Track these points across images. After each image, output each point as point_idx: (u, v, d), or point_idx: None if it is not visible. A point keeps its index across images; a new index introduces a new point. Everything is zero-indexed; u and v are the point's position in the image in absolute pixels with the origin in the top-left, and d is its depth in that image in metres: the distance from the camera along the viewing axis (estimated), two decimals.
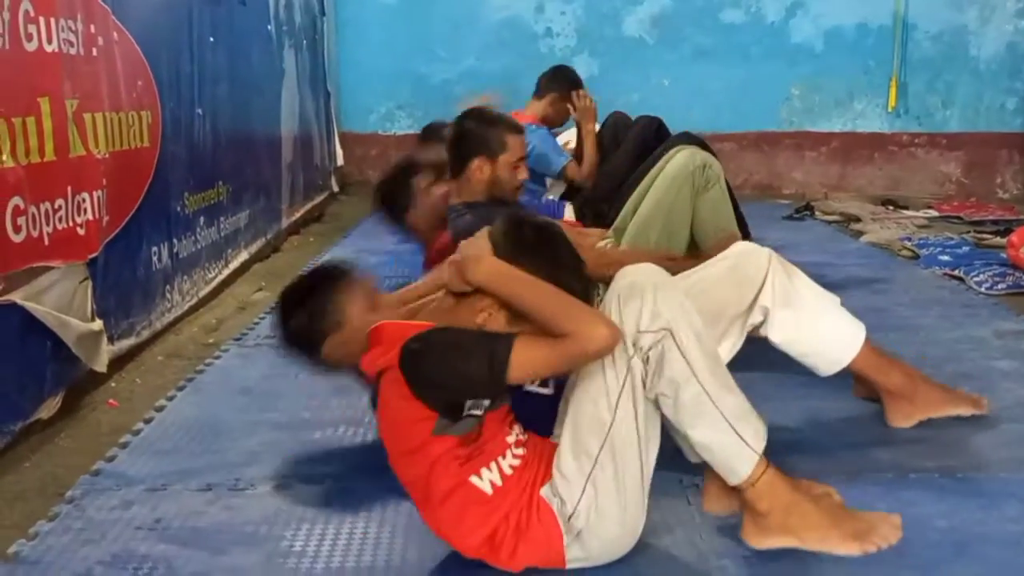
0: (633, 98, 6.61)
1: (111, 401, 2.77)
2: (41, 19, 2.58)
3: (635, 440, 1.72)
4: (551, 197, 4.63)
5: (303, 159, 5.87)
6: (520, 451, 1.79)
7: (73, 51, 2.77)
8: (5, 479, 2.26)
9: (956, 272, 4.13)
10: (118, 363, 3.01)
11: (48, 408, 2.58)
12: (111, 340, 2.99)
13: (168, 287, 3.51)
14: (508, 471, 1.75)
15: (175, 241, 3.58)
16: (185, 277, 3.69)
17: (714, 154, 3.64)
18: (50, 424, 2.54)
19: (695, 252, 3.12)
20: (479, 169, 2.88)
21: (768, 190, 6.91)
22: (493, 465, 1.74)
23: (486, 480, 1.72)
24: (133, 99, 3.20)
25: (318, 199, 6.30)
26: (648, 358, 1.70)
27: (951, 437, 2.35)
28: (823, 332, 2.36)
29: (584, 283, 1.83)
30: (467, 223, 2.81)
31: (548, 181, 4.74)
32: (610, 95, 6.19)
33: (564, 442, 1.76)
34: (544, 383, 2.22)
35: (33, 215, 2.52)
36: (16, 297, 2.43)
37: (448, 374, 1.66)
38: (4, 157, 2.39)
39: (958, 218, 5.81)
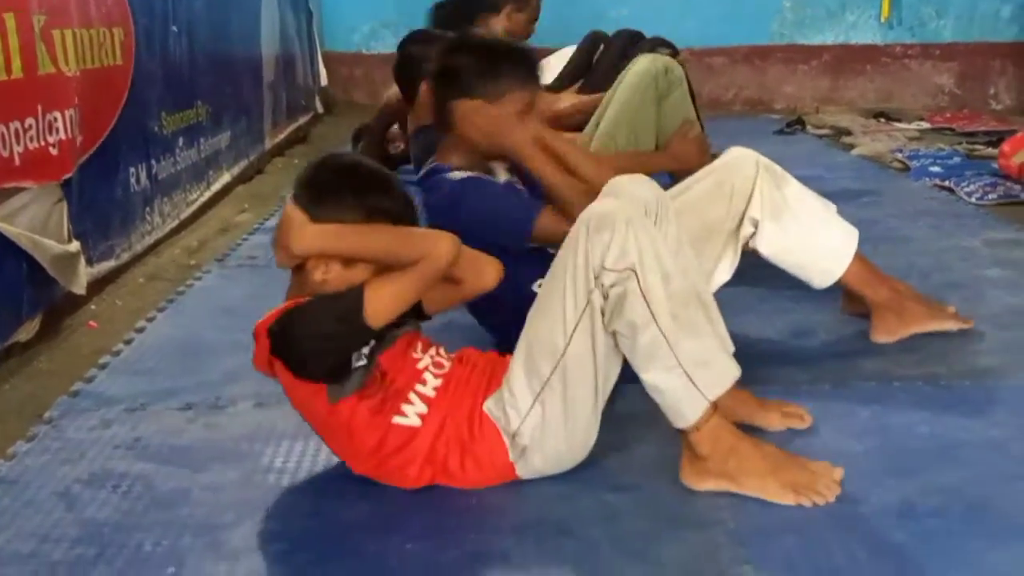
0: (623, 12, 6.50)
1: (91, 323, 2.73)
2: None
3: (590, 367, 1.69)
4: None
5: (285, 79, 5.77)
6: (441, 370, 1.77)
7: None
8: None
9: (946, 183, 4.09)
10: (97, 285, 2.97)
11: (26, 331, 2.54)
12: (90, 262, 2.95)
13: (148, 209, 3.45)
14: (432, 394, 1.74)
15: (153, 162, 3.52)
16: (165, 199, 3.63)
17: (679, 58, 3.60)
18: (29, 347, 2.51)
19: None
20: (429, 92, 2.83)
21: (759, 105, 6.83)
22: (413, 396, 1.72)
23: (411, 415, 1.71)
24: (103, 15, 3.11)
25: (302, 120, 6.21)
26: (608, 295, 1.65)
27: (938, 347, 2.33)
28: (813, 243, 2.31)
29: (400, 199, 1.77)
30: (426, 146, 2.80)
31: None
32: (600, 8, 6.09)
33: (517, 359, 1.73)
34: None
35: (2, 134, 2.46)
36: None
37: (312, 346, 1.65)
38: None
39: (950, 130, 5.75)
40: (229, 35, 4.64)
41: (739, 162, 2.33)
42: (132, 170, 3.33)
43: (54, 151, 2.72)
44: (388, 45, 6.87)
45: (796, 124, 5.93)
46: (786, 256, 2.32)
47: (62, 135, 2.77)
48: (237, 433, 1.99)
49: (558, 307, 1.68)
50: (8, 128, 2.49)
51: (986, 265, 2.95)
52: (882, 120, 6.01)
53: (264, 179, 4.94)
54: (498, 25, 4.23)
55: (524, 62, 2.24)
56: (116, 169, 3.20)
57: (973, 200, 3.83)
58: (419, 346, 1.80)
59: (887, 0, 6.58)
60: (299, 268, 1.76)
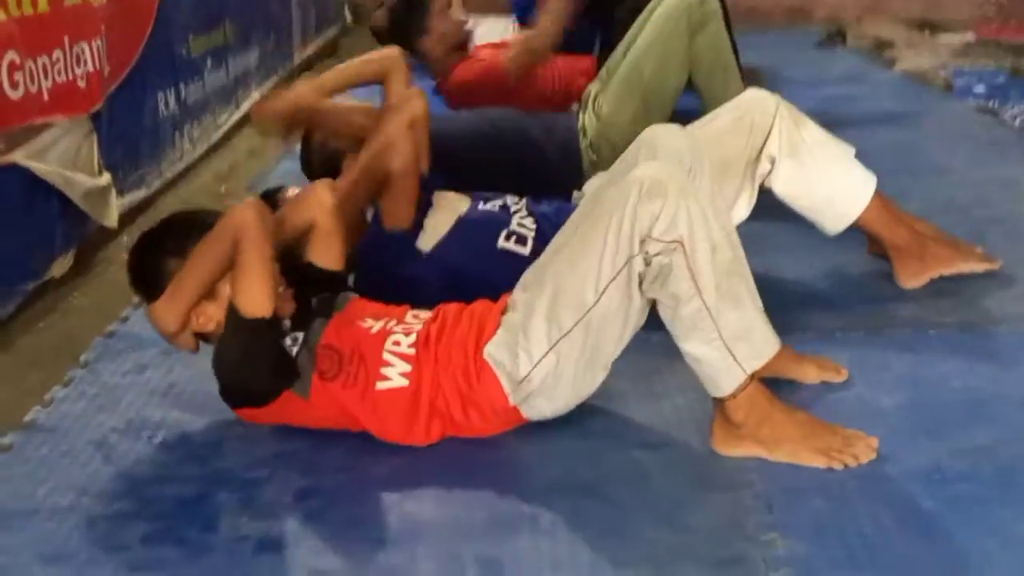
0: None
1: (124, 256, 2.74)
2: None
3: (616, 326, 1.69)
4: None
5: None
6: (412, 325, 1.79)
7: None
8: (21, 341, 2.27)
9: (990, 105, 3.99)
10: (129, 215, 2.98)
11: (60, 266, 2.56)
12: (121, 193, 2.96)
13: (177, 134, 3.44)
14: (411, 351, 1.75)
15: (182, 86, 3.49)
16: (195, 123, 3.61)
17: None
18: (63, 283, 2.53)
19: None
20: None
21: (799, 14, 6.63)
22: (388, 357, 1.74)
23: (394, 376, 1.73)
24: None
25: (331, 32, 6.13)
26: (652, 263, 1.63)
27: (973, 291, 2.29)
28: (829, 185, 2.26)
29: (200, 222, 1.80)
30: None
31: None
32: None
33: (540, 304, 1.71)
34: (521, 241, 2.20)
35: (30, 70, 2.44)
36: (18, 157, 2.39)
37: (244, 372, 1.75)
38: None
39: (997, 42, 5.59)
40: None
41: (759, 100, 2.29)
42: (160, 96, 3.31)
43: (82, 84, 2.70)
44: None
45: (836, 36, 5.77)
46: (801, 197, 2.28)
47: (90, 67, 2.75)
48: None
49: (593, 262, 1.66)
50: (36, 63, 2.48)
51: None
52: (927, 32, 5.84)
53: None
54: None
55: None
56: (144, 97, 3.19)
57: (1017, 124, 3.74)
58: (368, 316, 1.83)
59: None
60: (198, 336, 1.83)
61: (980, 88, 4.21)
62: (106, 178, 2.79)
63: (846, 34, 5.79)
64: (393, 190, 2.20)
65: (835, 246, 2.51)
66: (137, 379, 2.04)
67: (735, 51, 3.66)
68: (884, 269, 2.41)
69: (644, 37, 3.03)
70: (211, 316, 1.76)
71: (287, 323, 1.78)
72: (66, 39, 2.61)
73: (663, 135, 1.92)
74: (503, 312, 1.79)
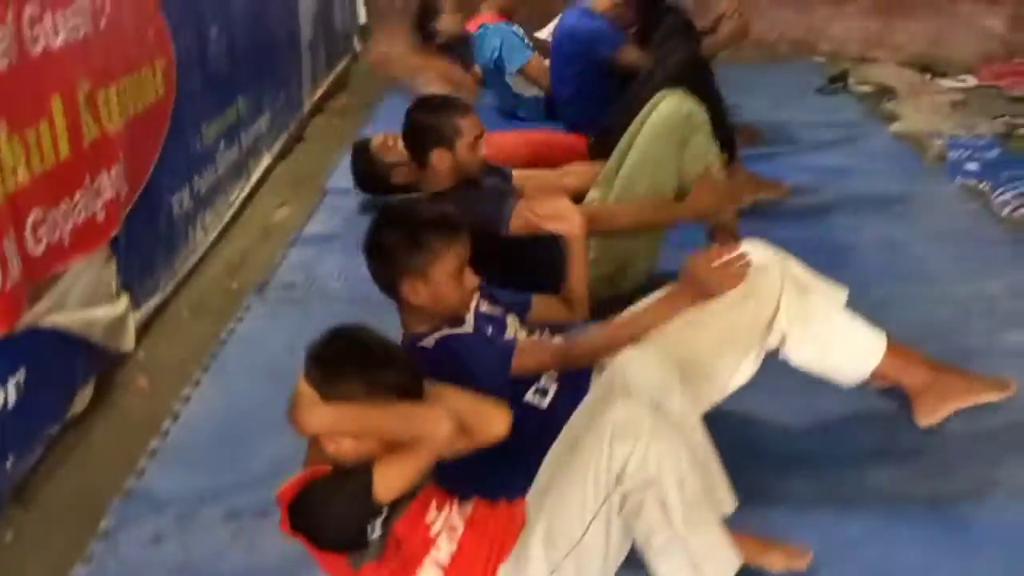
0: None
1: (140, 381, 2.89)
2: (47, 16, 2.53)
3: (601, 553, 1.83)
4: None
5: (324, 32, 5.77)
6: (455, 535, 1.88)
7: (81, 34, 2.72)
8: (43, 492, 2.42)
9: (980, 187, 4.09)
10: (145, 326, 3.12)
11: (81, 401, 2.70)
12: (137, 305, 3.09)
13: (190, 228, 3.57)
14: (447, 561, 1.85)
15: (195, 179, 3.62)
16: (207, 210, 3.74)
17: (704, 65, 3.94)
18: (83, 418, 2.68)
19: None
20: (440, 160, 2.89)
21: (803, 47, 6.71)
22: (428, 562, 1.85)
23: None
24: (145, 52, 3.17)
25: (340, 66, 6.23)
26: (627, 497, 1.78)
27: (954, 447, 2.43)
28: (843, 349, 2.39)
29: (405, 373, 1.85)
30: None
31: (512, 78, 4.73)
32: None
33: (538, 530, 1.85)
34: (542, 392, 2.33)
35: (52, 220, 2.55)
36: (40, 312, 2.51)
37: (328, 523, 1.76)
38: (19, 173, 2.41)
39: (996, 88, 5.67)
40: (267, 16, 4.65)
41: (764, 271, 2.39)
42: (176, 197, 3.43)
43: (101, 217, 2.81)
44: None
45: (839, 80, 5.85)
46: (816, 365, 2.41)
47: (108, 195, 2.86)
48: (277, 557, 2.15)
49: (578, 496, 1.81)
50: (58, 210, 2.58)
51: (1006, 325, 3.00)
52: (928, 76, 5.91)
53: (304, 150, 5.02)
54: None
55: (443, 222, 2.29)
56: (160, 203, 3.31)
57: (1005, 213, 3.85)
58: (433, 505, 1.91)
59: None
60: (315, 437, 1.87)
61: (972, 166, 4.31)
62: (124, 302, 2.92)
63: (848, 78, 5.85)
64: None
65: (820, 385, 2.62)
66: (154, 555, 2.18)
67: (725, 119, 3.83)
68: (868, 407, 2.52)
69: (636, 152, 3.15)
70: (346, 450, 1.81)
71: None
72: (87, 178, 2.72)
73: (636, 367, 2.05)
74: (521, 527, 1.92)
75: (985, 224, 3.75)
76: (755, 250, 2.55)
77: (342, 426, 1.79)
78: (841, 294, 2.58)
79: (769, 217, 3.86)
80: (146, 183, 3.17)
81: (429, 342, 2.25)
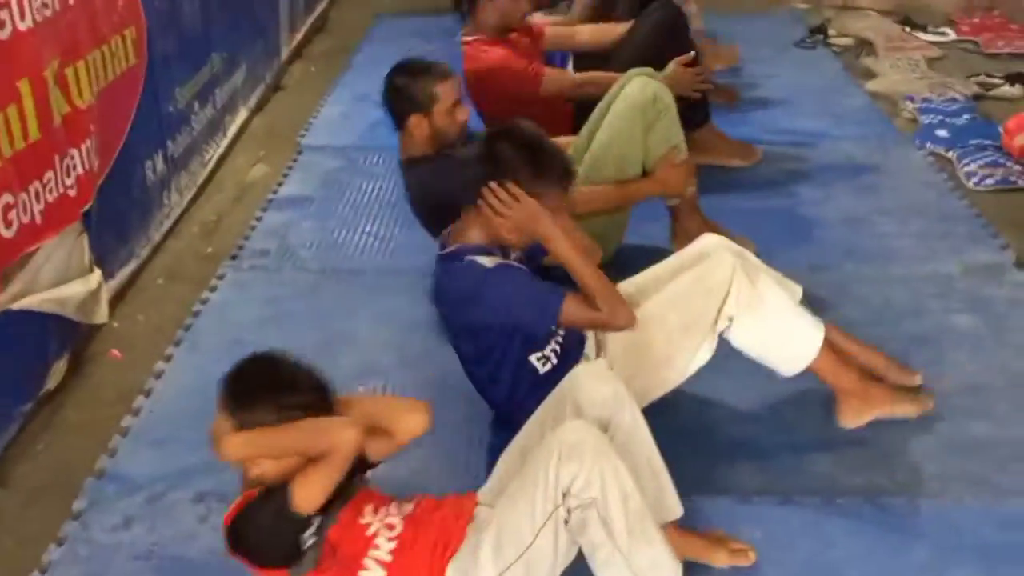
0: None
1: (114, 352, 2.96)
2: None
3: (550, 560, 1.92)
4: None
5: None
6: (393, 532, 1.96)
7: (48, 12, 2.72)
8: (19, 470, 2.51)
9: (949, 154, 4.15)
10: (119, 294, 3.19)
11: (55, 375, 2.78)
12: (111, 275, 3.15)
13: (165, 192, 3.61)
14: (388, 558, 1.93)
15: (169, 144, 3.64)
16: (182, 172, 3.77)
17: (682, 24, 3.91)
18: (57, 394, 2.75)
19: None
20: (417, 126, 2.95)
21: None
22: (368, 562, 1.92)
23: None
24: (116, 22, 3.17)
25: (319, 7, 6.18)
26: (571, 513, 1.87)
27: (889, 440, 2.54)
28: (782, 337, 2.48)
29: (310, 392, 1.91)
30: (420, 180, 3.02)
31: None
32: None
33: (487, 535, 1.94)
34: (544, 360, 2.46)
35: (23, 203, 2.60)
36: (15, 289, 2.57)
37: (260, 540, 1.85)
38: None
39: (974, 43, 5.69)
40: None
41: (717, 261, 2.48)
42: (149, 163, 3.46)
43: (73, 192, 2.86)
44: None
45: (818, 32, 5.84)
46: (756, 347, 2.50)
47: (80, 170, 2.90)
48: None
49: (528, 507, 1.91)
50: (29, 192, 2.63)
51: (959, 308, 3.09)
52: (907, 30, 5.91)
53: (281, 100, 5.01)
54: None
55: (564, 165, 2.43)
56: (134, 170, 3.34)
57: (971, 184, 3.92)
58: (369, 508, 2.00)
59: None
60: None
61: (943, 132, 4.36)
62: (97, 276, 2.97)
63: (827, 30, 5.85)
64: None
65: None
66: (124, 538, 2.28)
67: (704, 97, 3.87)
68: (814, 393, 2.61)
69: (603, 132, 3.20)
70: (265, 470, 1.89)
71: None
72: (56, 156, 2.76)
73: (586, 380, 2.14)
74: (469, 522, 2.01)
75: (950, 197, 3.81)
76: (714, 241, 2.64)
77: (256, 451, 1.88)
78: (796, 290, 2.68)
79: (739, 186, 3.92)
80: (119, 152, 3.21)
81: (486, 262, 2.34)
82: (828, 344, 2.53)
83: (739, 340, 2.48)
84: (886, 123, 4.57)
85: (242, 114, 4.52)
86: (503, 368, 2.46)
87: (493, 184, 2.33)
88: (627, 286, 2.64)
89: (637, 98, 3.15)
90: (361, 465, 2.01)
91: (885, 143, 4.34)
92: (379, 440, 1.98)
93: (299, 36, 5.64)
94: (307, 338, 2.96)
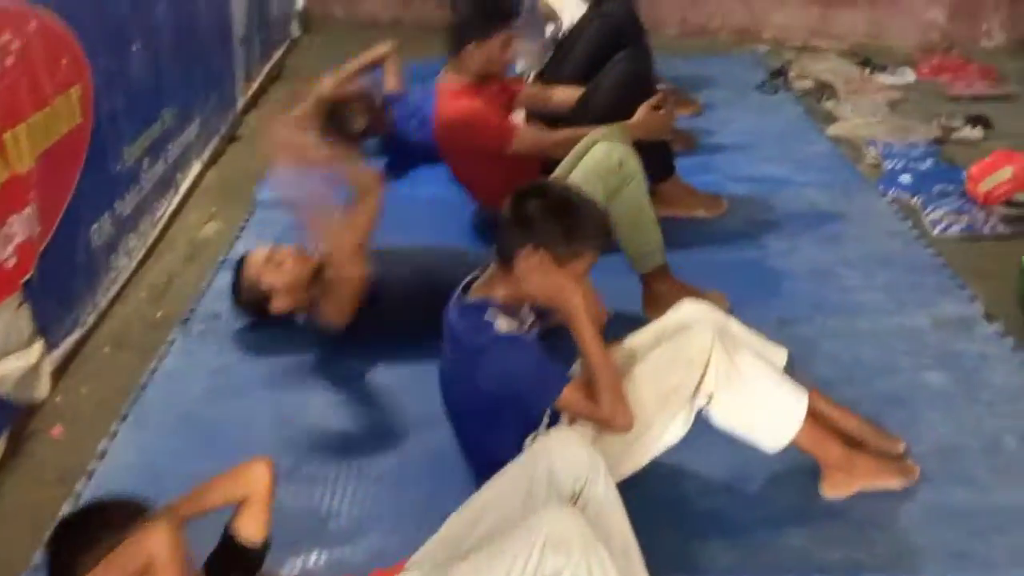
0: None
1: (55, 431, 2.82)
2: None
3: None
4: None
5: (258, 21, 5.62)
6: None
7: None
8: None
9: (913, 203, 4.11)
10: (63, 364, 3.05)
11: None
12: (54, 346, 3.01)
13: (112, 255, 3.48)
14: None
15: (117, 204, 3.52)
16: (131, 234, 3.64)
17: (646, 76, 3.91)
18: None
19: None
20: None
21: (747, 35, 6.66)
22: None
23: None
24: (59, 82, 3.05)
25: (276, 54, 6.08)
26: None
27: (867, 510, 2.45)
28: (762, 413, 2.40)
29: (134, 522, 1.85)
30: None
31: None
32: None
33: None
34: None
35: None
36: None
37: None
38: None
39: (935, 85, 5.69)
40: (195, 17, 4.51)
41: (696, 332, 2.39)
42: (95, 226, 3.33)
43: (12, 262, 2.74)
44: None
45: (779, 75, 5.82)
46: (737, 427, 2.41)
47: (20, 238, 2.78)
48: None
49: (507, 565, 1.80)
50: None
51: (930, 364, 3.02)
52: (867, 71, 5.91)
53: (236, 151, 4.90)
54: None
55: (601, 226, 2.36)
56: (78, 234, 3.21)
57: (936, 232, 3.87)
58: None
59: None
60: None
61: (906, 178, 4.32)
62: (37, 349, 2.84)
63: (788, 73, 5.83)
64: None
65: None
66: None
67: (668, 149, 3.82)
68: (790, 465, 2.53)
69: None
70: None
71: None
72: None
73: (562, 449, 2.04)
74: None
75: (915, 247, 3.76)
76: (694, 310, 2.57)
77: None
78: (780, 356, 2.60)
79: (706, 238, 3.85)
80: (62, 216, 3.08)
81: (502, 328, 2.28)
82: (810, 413, 2.44)
83: (719, 419, 2.40)
84: (849, 169, 4.53)
85: (195, 168, 4.40)
86: (493, 431, 2.37)
87: (528, 248, 2.25)
88: (617, 352, 2.57)
89: (602, 163, 3.07)
90: (243, 559, 1.97)
91: (849, 189, 4.29)
92: (244, 513, 1.97)
93: (255, 85, 5.54)
94: (258, 410, 2.86)
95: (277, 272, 3.03)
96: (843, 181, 4.38)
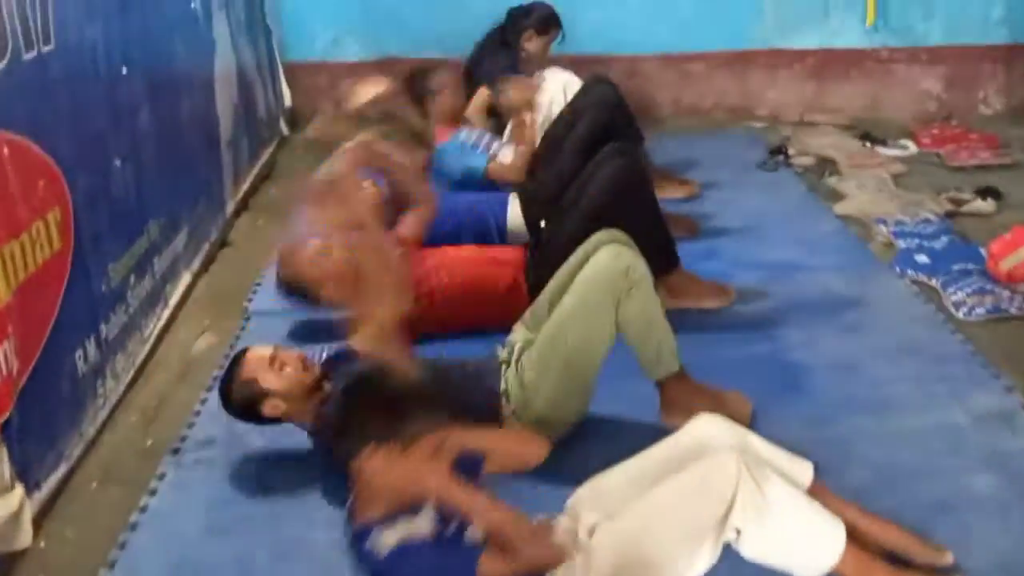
0: (594, 16, 6.23)
1: None
2: None
3: None
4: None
5: (246, 123, 5.51)
6: None
7: None
8: None
9: (932, 282, 3.96)
10: (46, 505, 2.85)
11: None
12: (37, 485, 2.82)
13: (99, 380, 3.29)
14: None
15: (102, 326, 3.34)
16: (118, 355, 3.46)
17: (648, 187, 3.82)
18: None
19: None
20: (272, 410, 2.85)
21: (742, 113, 6.59)
22: None
23: None
24: (35, 207, 2.89)
25: (266, 154, 5.96)
26: None
27: None
28: (800, 546, 2.22)
29: None
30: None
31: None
32: (570, 13, 5.81)
33: None
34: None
35: None
36: None
37: None
38: None
39: (938, 156, 5.59)
40: (179, 122, 4.39)
41: (720, 460, 2.22)
42: (79, 352, 3.15)
43: None
44: (351, 54, 6.59)
45: (778, 153, 5.71)
46: (770, 558, 2.24)
47: None
48: None
49: None
50: None
51: (975, 466, 2.82)
52: (867, 145, 5.81)
53: (227, 258, 4.74)
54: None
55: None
56: (62, 363, 3.03)
57: (961, 315, 3.71)
58: None
59: (872, 3, 6.28)
60: None
61: (922, 257, 4.17)
62: (17, 495, 2.64)
63: (787, 150, 5.72)
64: None
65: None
66: None
67: (661, 223, 3.67)
68: None
69: (568, 301, 2.95)
70: None
71: None
72: None
73: None
74: None
75: (941, 332, 3.59)
76: (712, 429, 2.40)
77: None
78: (806, 472, 2.43)
79: (717, 330, 3.69)
80: (43, 347, 2.90)
81: (381, 547, 2.09)
82: (849, 535, 2.26)
83: (751, 552, 2.22)
84: (861, 249, 4.39)
85: (185, 279, 4.24)
86: None
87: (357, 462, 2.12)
88: (618, 475, 2.42)
89: (609, 268, 2.91)
90: None
91: (864, 272, 4.14)
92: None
93: (245, 185, 5.41)
94: (259, 547, 2.65)
95: (277, 375, 2.85)
96: (857, 263, 4.24)
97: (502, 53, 5.30)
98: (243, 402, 2.88)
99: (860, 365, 3.40)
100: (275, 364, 2.85)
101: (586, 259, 3.00)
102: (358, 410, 2.52)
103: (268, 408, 2.83)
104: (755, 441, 2.42)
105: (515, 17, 5.48)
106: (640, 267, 2.94)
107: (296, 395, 2.83)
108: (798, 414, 3.09)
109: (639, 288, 2.91)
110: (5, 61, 2.76)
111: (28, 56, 2.87)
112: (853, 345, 3.54)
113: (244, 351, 2.97)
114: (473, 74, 5.31)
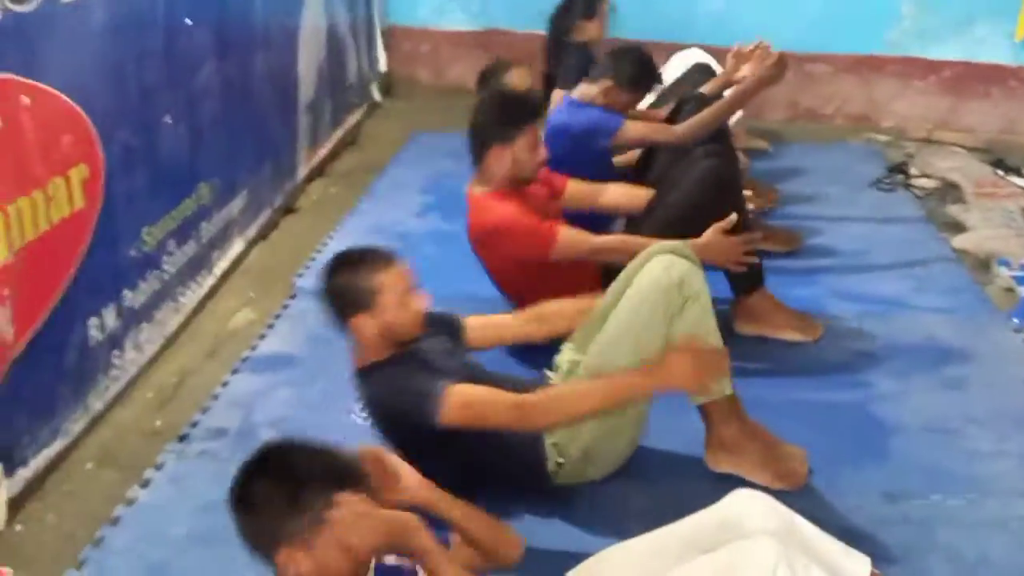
0: (716, 5, 5.82)
1: (2, 572, 2.40)
2: None
3: None
4: None
5: (331, 86, 5.26)
6: None
7: None
8: None
9: None
10: (34, 482, 2.65)
11: None
12: (23, 461, 2.62)
13: (115, 351, 3.07)
14: None
15: (126, 294, 3.11)
16: (143, 325, 3.24)
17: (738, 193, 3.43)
18: None
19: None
20: (362, 328, 2.45)
21: (863, 122, 6.06)
22: None
23: None
24: (56, 162, 2.68)
25: (352, 120, 5.71)
26: None
27: None
28: None
29: None
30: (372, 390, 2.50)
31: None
32: (689, 3, 5.39)
33: None
34: None
35: None
36: None
37: None
38: None
39: None
40: (250, 83, 4.14)
41: (757, 548, 1.86)
42: (94, 320, 2.94)
43: None
44: (455, 22, 6.32)
45: (898, 171, 5.22)
46: None
47: None
48: None
49: None
50: None
51: None
52: (999, 173, 5.27)
53: (290, 227, 4.51)
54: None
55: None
56: (70, 332, 2.82)
57: None
58: None
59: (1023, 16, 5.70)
60: None
61: None
62: None
63: (909, 169, 5.23)
64: None
65: None
66: None
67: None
68: None
69: (616, 319, 2.62)
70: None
71: None
72: None
73: None
74: None
75: None
76: (753, 507, 2.04)
77: None
78: (861, 570, 2.04)
79: (796, 369, 3.29)
80: (48, 314, 2.69)
81: None
82: None
83: None
84: (976, 292, 3.90)
85: (237, 246, 4.01)
86: None
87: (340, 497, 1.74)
88: (636, 545, 2.06)
89: (660, 279, 2.56)
90: None
91: (976, 320, 3.66)
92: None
93: (323, 152, 5.17)
94: (243, 566, 2.38)
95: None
96: (969, 308, 3.76)
97: (565, 52, 4.88)
98: None
99: (958, 431, 2.95)
100: None
101: (640, 269, 2.65)
102: None
103: None
104: (803, 526, 2.04)
105: (558, 18, 4.93)
106: (695, 280, 2.58)
107: None
108: (874, 482, 2.69)
109: (695, 303, 2.55)
110: (36, 2, 2.55)
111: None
112: (952, 405, 3.08)
113: None
114: (549, 78, 4.90)
